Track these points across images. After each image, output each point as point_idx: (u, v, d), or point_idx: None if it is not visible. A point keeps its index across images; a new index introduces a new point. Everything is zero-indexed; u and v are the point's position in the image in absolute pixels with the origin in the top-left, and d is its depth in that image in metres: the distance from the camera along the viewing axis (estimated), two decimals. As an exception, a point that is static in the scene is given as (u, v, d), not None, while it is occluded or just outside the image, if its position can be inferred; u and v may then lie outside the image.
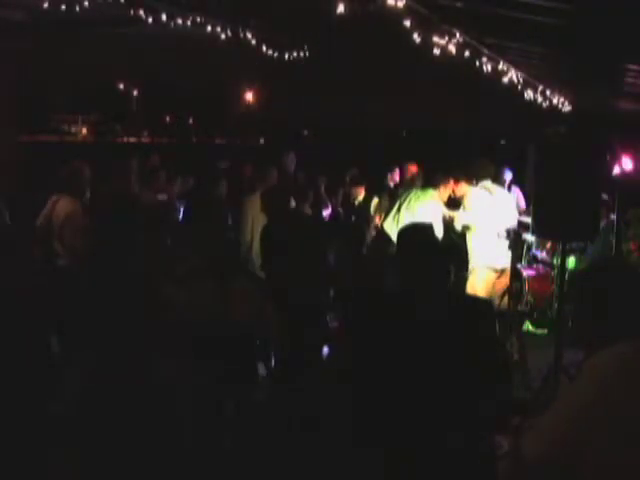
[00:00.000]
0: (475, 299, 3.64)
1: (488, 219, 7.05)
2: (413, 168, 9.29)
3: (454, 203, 7.49)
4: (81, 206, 5.75)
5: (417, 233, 3.18)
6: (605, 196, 7.16)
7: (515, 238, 6.71)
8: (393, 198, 8.17)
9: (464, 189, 7.28)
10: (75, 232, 5.49)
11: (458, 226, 7.29)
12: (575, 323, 2.33)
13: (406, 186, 8.63)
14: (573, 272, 7.14)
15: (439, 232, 7.11)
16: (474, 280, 7.05)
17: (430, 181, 7.58)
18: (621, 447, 1.95)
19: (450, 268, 3.08)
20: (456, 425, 2.77)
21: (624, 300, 2.19)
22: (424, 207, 7.23)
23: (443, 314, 2.86)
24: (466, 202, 7.25)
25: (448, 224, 7.39)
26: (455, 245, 7.33)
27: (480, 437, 2.84)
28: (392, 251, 5.26)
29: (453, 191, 7.41)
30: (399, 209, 7.38)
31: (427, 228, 3.20)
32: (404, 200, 7.44)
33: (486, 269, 7.01)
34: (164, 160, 9.43)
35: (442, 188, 7.39)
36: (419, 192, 7.48)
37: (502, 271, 6.92)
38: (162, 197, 7.86)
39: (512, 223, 7.10)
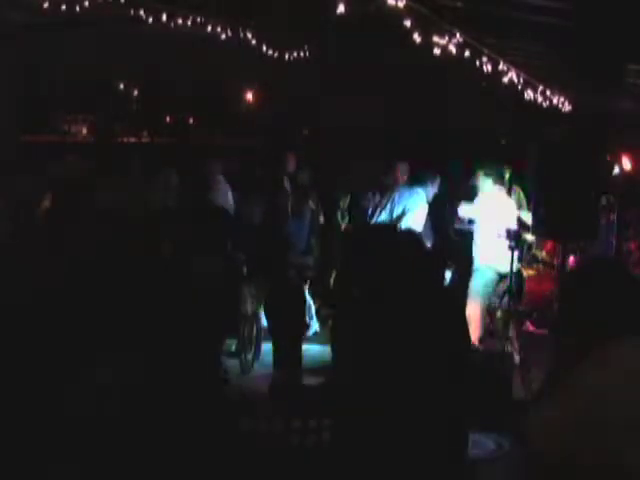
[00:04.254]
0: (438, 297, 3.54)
1: (489, 218, 7.07)
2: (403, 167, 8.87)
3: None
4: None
5: (369, 234, 3.23)
6: (611, 198, 7.17)
7: (515, 238, 6.70)
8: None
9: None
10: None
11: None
12: (573, 323, 2.33)
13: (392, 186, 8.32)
14: (571, 272, 7.14)
15: (426, 233, 7.12)
16: (475, 280, 7.06)
17: (419, 179, 7.53)
18: (622, 447, 1.95)
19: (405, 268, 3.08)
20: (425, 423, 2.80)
21: (620, 299, 2.19)
22: (412, 210, 7.21)
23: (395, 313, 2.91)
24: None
25: (448, 223, 7.40)
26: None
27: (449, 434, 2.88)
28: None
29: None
30: (383, 211, 7.34)
31: (381, 229, 3.23)
32: (387, 202, 7.37)
33: (488, 270, 7.03)
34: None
35: (430, 186, 7.37)
36: (405, 193, 7.38)
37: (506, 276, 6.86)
38: None
39: (512, 224, 7.08)
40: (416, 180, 7.81)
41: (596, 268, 2.41)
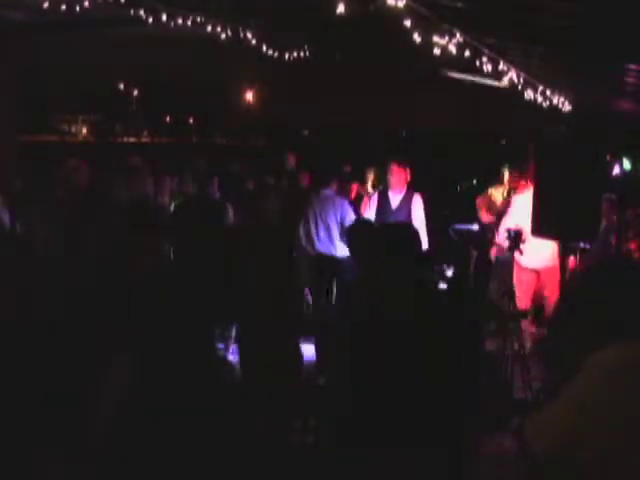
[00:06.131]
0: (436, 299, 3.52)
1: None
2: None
3: None
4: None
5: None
6: (612, 196, 7.16)
7: (516, 238, 6.68)
8: None
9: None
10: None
11: None
12: (575, 323, 2.32)
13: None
14: (574, 272, 7.14)
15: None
16: None
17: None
18: (622, 447, 1.95)
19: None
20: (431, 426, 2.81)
21: (626, 299, 2.18)
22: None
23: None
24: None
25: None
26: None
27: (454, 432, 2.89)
28: None
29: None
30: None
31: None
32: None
33: None
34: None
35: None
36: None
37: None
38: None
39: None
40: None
41: (604, 268, 2.40)
